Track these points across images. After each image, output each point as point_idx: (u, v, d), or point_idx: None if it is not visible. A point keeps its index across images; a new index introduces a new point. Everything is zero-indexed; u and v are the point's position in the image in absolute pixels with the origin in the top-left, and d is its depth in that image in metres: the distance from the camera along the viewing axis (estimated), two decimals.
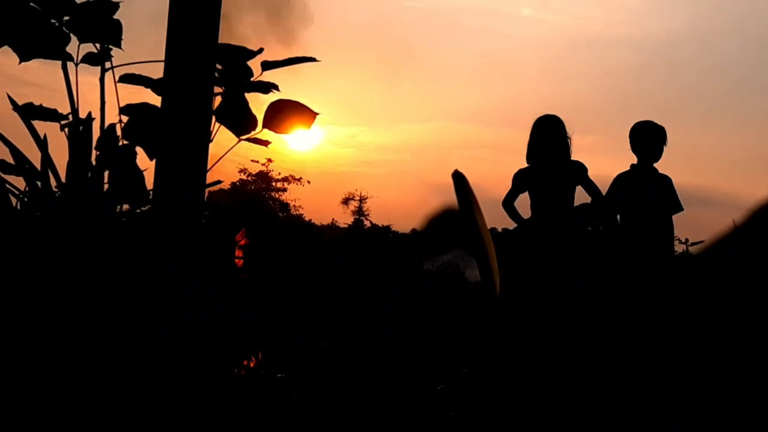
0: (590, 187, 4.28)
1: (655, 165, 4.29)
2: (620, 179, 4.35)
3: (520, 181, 4.34)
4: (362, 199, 25.23)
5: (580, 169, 4.28)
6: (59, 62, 2.68)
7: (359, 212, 25.05)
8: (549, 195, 4.25)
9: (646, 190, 4.24)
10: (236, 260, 2.99)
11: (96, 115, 2.69)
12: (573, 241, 4.21)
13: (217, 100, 2.79)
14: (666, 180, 4.27)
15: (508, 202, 4.36)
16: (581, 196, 4.34)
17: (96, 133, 2.67)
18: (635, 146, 4.29)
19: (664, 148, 4.27)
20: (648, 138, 4.26)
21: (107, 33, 2.69)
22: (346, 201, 25.17)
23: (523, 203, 4.41)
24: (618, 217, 4.33)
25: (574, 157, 4.30)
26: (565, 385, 2.96)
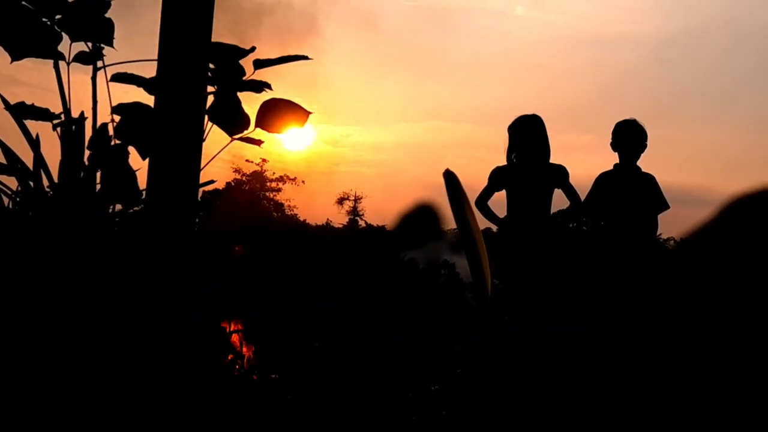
0: (570, 191, 4.28)
1: (642, 163, 4.31)
2: (603, 178, 4.38)
3: (496, 180, 4.34)
4: (357, 199, 25.21)
5: (562, 172, 4.29)
6: (51, 61, 2.67)
7: (354, 212, 25.04)
8: (527, 194, 4.25)
9: (627, 188, 4.26)
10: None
11: (88, 114, 2.68)
12: (553, 239, 4.21)
13: (210, 99, 2.78)
14: (649, 178, 4.28)
15: (482, 201, 4.35)
16: (560, 202, 4.36)
17: (88, 132, 2.66)
18: (617, 144, 4.31)
19: (646, 147, 4.29)
20: (629, 136, 4.28)
21: (99, 32, 2.68)
22: (340, 201, 25.15)
23: (497, 205, 4.42)
24: (602, 215, 4.34)
25: (571, 156, 4.31)
26: (561, 385, 2.96)
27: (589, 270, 4.36)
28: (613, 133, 4.30)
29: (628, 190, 4.23)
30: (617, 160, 4.33)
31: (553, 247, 4.20)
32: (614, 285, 4.11)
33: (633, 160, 4.25)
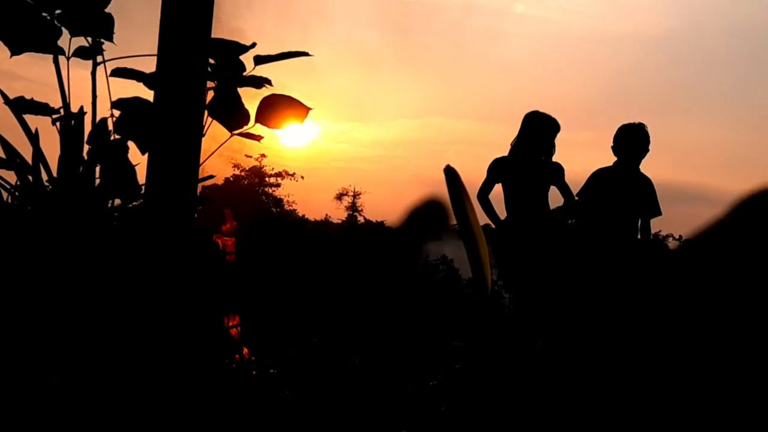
0: (565, 189, 4.27)
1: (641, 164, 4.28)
2: (599, 174, 4.32)
3: (495, 171, 4.33)
4: (356, 195, 25.20)
5: (558, 169, 4.27)
6: (51, 56, 2.67)
7: (353, 208, 25.03)
8: (523, 189, 4.24)
9: (624, 188, 4.22)
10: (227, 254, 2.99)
11: (88, 109, 2.68)
12: (548, 235, 4.20)
13: (210, 94, 2.78)
14: (647, 182, 4.24)
15: (483, 194, 4.31)
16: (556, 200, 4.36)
17: (88, 127, 2.66)
18: (619, 148, 4.25)
19: (647, 152, 4.24)
20: (633, 142, 4.22)
21: (99, 27, 2.68)
22: (339, 197, 25.15)
23: (498, 201, 4.42)
24: (595, 213, 4.31)
25: (568, 153, 4.31)
26: (561, 383, 2.96)
27: (576, 266, 4.33)
28: (616, 137, 4.21)
29: (627, 191, 4.19)
30: (614, 157, 4.28)
31: (549, 244, 4.18)
32: (599, 282, 4.10)
33: (634, 165, 4.19)
